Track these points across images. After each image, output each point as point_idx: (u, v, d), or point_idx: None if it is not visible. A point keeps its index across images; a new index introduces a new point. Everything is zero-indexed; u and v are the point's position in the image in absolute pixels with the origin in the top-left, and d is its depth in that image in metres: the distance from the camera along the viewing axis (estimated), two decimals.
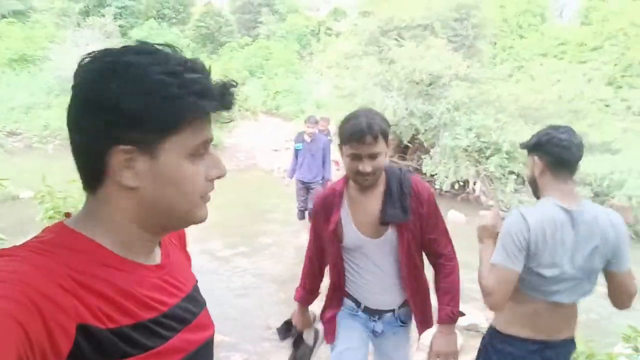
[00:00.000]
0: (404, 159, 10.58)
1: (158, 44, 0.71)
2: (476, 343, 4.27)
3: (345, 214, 1.87)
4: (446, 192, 9.62)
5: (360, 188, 1.82)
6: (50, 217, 3.59)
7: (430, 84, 9.66)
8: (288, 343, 2.32)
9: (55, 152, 11.09)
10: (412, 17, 9.92)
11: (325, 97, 13.60)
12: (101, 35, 15.67)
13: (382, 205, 1.80)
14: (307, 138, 6.09)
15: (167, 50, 0.70)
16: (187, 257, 0.96)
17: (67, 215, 0.73)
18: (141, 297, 0.70)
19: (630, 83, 14.37)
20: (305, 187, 6.31)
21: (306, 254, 2.13)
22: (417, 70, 9.33)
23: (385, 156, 1.72)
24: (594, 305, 5.23)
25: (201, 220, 0.75)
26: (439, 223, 1.89)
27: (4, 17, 19.13)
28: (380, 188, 1.82)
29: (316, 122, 6.22)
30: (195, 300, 0.83)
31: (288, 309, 4.88)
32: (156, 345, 0.70)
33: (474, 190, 9.52)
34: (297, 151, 6.28)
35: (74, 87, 0.68)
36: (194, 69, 0.69)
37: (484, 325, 4.50)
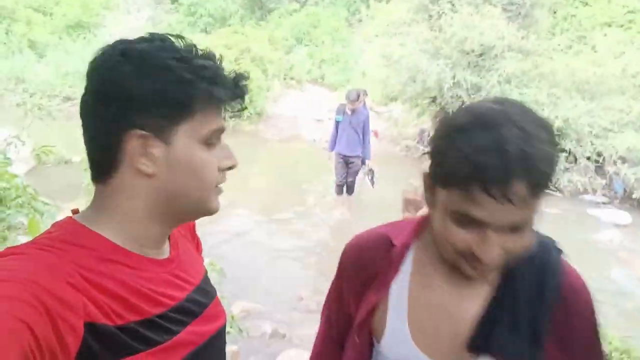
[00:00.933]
0: None
1: (170, 34, 0.72)
2: None
3: (396, 301, 0.93)
4: None
5: (454, 270, 0.87)
6: None
7: (481, 55, 9.22)
8: None
9: None
10: None
11: (372, 66, 13.30)
12: (151, 1, 15.88)
13: (485, 313, 0.86)
14: (348, 110, 6.04)
15: (178, 39, 0.72)
16: (197, 246, 0.96)
17: (75, 211, 0.73)
18: (150, 293, 0.70)
19: None
20: (345, 161, 6.24)
21: (313, 350, 1.15)
22: (468, 39, 8.91)
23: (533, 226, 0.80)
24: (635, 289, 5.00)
25: (214, 211, 0.75)
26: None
27: None
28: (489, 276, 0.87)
29: (356, 99, 6.01)
30: (204, 292, 0.84)
31: (319, 280, 4.96)
32: (165, 339, 0.70)
33: None
34: (337, 123, 6.20)
35: (88, 75, 0.70)
36: (204, 57, 0.71)
37: None
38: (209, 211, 0.75)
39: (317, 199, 7.18)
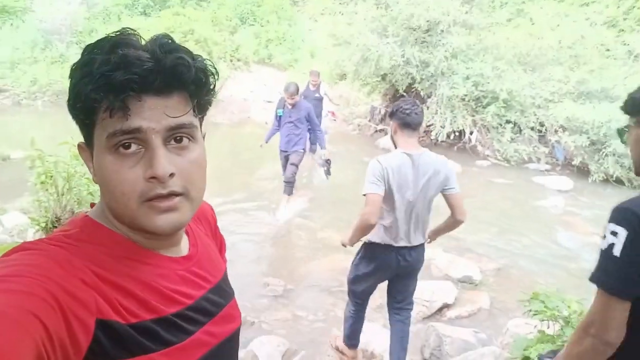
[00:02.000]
0: None
1: (129, 29, 0.67)
2: (470, 295, 4.37)
3: None
4: (442, 142, 9.56)
5: None
6: (42, 182, 3.54)
7: (427, 31, 9.36)
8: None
9: (45, 108, 10.87)
10: None
11: (320, 45, 13.22)
12: None
13: None
14: (287, 105, 5.64)
15: (128, 37, 0.65)
16: (220, 245, 0.94)
17: (92, 205, 0.73)
18: (165, 290, 0.69)
19: (632, 26, 13.97)
20: (286, 157, 5.87)
21: None
22: (414, 15, 9.00)
23: None
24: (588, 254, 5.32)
25: (151, 229, 0.65)
26: None
27: None
28: None
29: (295, 92, 5.57)
30: (222, 291, 0.81)
31: (280, 265, 4.94)
32: (180, 339, 0.69)
33: (470, 140, 9.45)
34: (278, 117, 5.85)
35: None
36: (110, 49, 0.62)
37: (478, 277, 4.58)
38: (142, 228, 0.66)
39: (271, 182, 7.12)
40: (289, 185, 5.79)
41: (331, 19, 11.40)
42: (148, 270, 0.68)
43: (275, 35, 17.03)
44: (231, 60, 14.29)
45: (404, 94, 9.81)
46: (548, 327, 2.64)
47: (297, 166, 5.80)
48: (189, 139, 0.67)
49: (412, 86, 9.53)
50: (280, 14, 18.62)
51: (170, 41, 0.64)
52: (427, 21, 9.01)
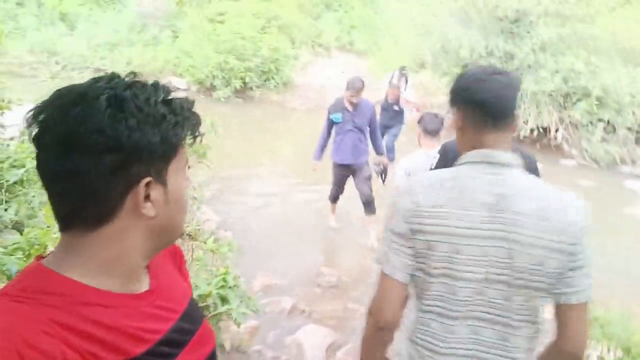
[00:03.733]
0: None
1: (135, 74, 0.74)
2: None
3: None
4: (525, 137, 9.04)
5: None
6: None
7: (515, 21, 8.81)
8: None
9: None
10: None
11: (403, 32, 12.91)
12: None
13: None
14: (348, 105, 4.62)
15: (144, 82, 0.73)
16: (180, 266, 0.94)
17: (39, 257, 0.71)
18: (131, 330, 0.69)
19: None
20: (347, 172, 4.91)
21: None
22: (501, 5, 8.51)
23: None
24: None
25: (182, 232, 0.80)
26: None
27: None
28: None
29: (362, 87, 4.56)
30: (191, 318, 0.82)
31: (339, 256, 4.98)
32: None
33: (555, 138, 8.85)
34: (332, 124, 4.76)
35: (52, 128, 0.64)
36: (172, 97, 0.73)
37: None
38: (182, 233, 0.79)
39: None
40: (371, 205, 4.90)
41: (416, 7, 11.07)
42: (111, 313, 0.68)
43: (358, 22, 16.88)
44: (312, 46, 14.39)
45: None
46: (609, 352, 2.46)
47: (370, 179, 4.97)
48: None
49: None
50: (365, 0, 18.43)
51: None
52: (516, 11, 8.48)
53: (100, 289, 0.69)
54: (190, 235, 4.13)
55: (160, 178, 0.71)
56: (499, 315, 1.24)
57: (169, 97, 0.72)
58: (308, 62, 13.63)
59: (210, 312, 2.76)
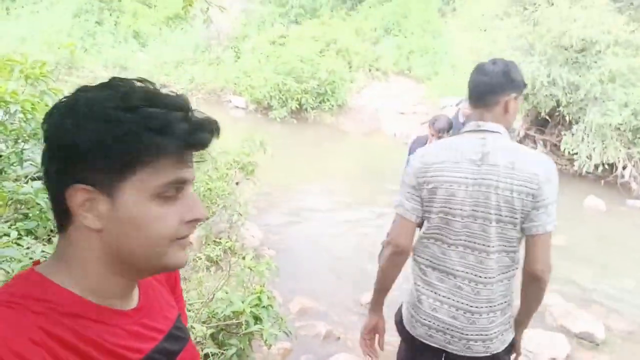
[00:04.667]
0: (542, 132, 9.58)
1: (133, 79, 0.69)
2: (588, 356, 3.84)
3: None
4: (588, 173, 8.57)
5: None
6: None
7: (581, 50, 8.45)
8: None
9: (198, 103, 12.19)
10: None
11: (462, 59, 12.73)
12: None
13: None
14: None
15: (139, 84, 0.68)
16: (171, 282, 0.92)
17: (36, 262, 0.72)
18: (113, 348, 0.68)
19: None
20: None
21: None
22: (567, 33, 8.20)
23: None
24: None
25: (175, 266, 0.71)
26: None
27: None
28: None
29: (447, 129, 3.98)
30: (176, 338, 0.81)
31: None
32: None
33: (622, 175, 8.32)
34: None
35: (42, 129, 0.67)
36: (160, 104, 0.65)
37: (601, 336, 3.96)
38: (165, 267, 0.70)
39: (391, 200, 7.01)
40: None
41: (476, 33, 10.91)
42: (97, 328, 0.67)
43: (417, 47, 16.82)
44: (369, 70, 14.46)
45: (547, 117, 9.01)
46: None
47: None
48: None
49: (557, 109, 8.69)
50: (425, 26, 18.36)
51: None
52: (582, 40, 8.13)
53: (87, 300, 0.68)
54: (231, 250, 4.19)
55: (108, 190, 0.65)
56: (479, 244, 1.65)
57: (139, 104, 0.64)
58: (364, 86, 13.69)
59: (242, 330, 2.75)
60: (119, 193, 0.65)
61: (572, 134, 8.43)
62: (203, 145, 0.68)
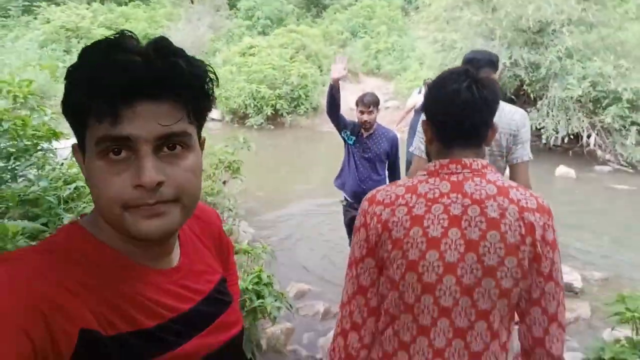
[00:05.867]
0: None
1: (127, 31, 0.64)
2: (569, 304, 4.13)
3: None
4: (556, 146, 8.96)
5: None
6: None
7: (538, 31, 8.89)
8: None
9: None
10: None
11: (428, 52, 13.15)
12: (211, 9, 16.63)
13: None
14: (362, 130, 3.61)
15: (126, 38, 0.63)
16: (223, 251, 0.89)
17: (82, 215, 0.72)
18: (147, 303, 0.67)
19: None
20: (351, 209, 3.77)
21: None
22: (523, 16, 8.62)
23: None
24: None
25: (137, 235, 0.63)
26: None
27: (131, 0, 21.14)
28: None
29: (374, 104, 3.55)
30: (216, 301, 0.79)
31: None
32: (161, 352, 0.67)
33: (588, 144, 8.74)
34: (347, 145, 3.77)
35: None
36: (102, 54, 0.61)
37: (579, 285, 4.27)
38: (129, 233, 0.64)
39: None
40: None
41: (440, 25, 11.32)
42: (132, 283, 0.67)
43: (384, 46, 17.24)
44: None
45: (513, 97, 9.40)
46: (637, 334, 2.49)
47: None
48: (182, 147, 0.65)
49: (521, 89, 9.10)
50: (390, 25, 18.82)
51: (166, 44, 0.63)
52: (538, 21, 8.56)
53: (125, 256, 0.68)
54: None
55: (79, 143, 0.65)
56: None
57: (92, 57, 0.61)
58: None
59: (246, 307, 2.93)
60: (85, 149, 0.64)
61: (538, 110, 8.83)
62: (119, 92, 0.58)
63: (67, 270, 0.61)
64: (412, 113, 6.15)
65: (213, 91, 0.67)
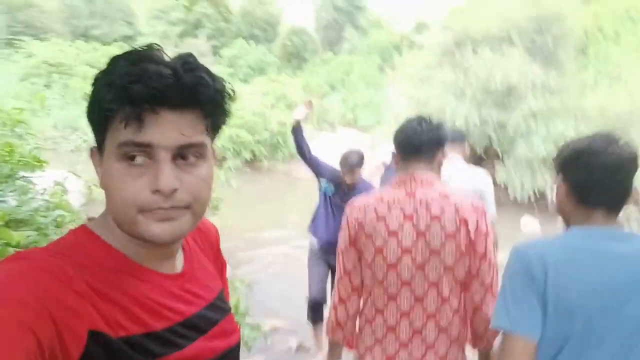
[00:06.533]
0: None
1: (155, 44, 0.67)
2: None
3: None
4: (522, 201, 9.39)
5: None
6: None
7: (506, 94, 9.51)
8: None
9: None
10: (488, 27, 9.86)
11: (403, 109, 13.75)
12: (195, 55, 17.05)
13: None
14: (345, 184, 3.35)
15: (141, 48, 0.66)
16: (220, 266, 0.93)
17: (91, 218, 0.73)
18: (155, 306, 0.69)
19: None
20: (326, 259, 3.53)
21: None
22: (492, 79, 9.24)
23: None
24: None
25: (150, 238, 0.66)
26: None
27: (115, 41, 21.53)
28: None
29: (358, 164, 3.29)
30: (217, 308, 0.81)
31: None
32: (168, 353, 0.69)
33: (552, 201, 9.17)
34: (324, 196, 3.53)
35: None
36: (126, 63, 0.62)
37: None
38: (141, 235, 0.66)
39: None
40: (317, 311, 3.60)
41: (414, 83, 11.93)
42: (138, 285, 0.69)
43: (362, 101, 17.95)
44: (318, 122, 15.24)
45: (482, 155, 9.88)
46: None
47: None
48: (198, 157, 0.67)
49: (490, 146, 9.60)
50: (368, 80, 19.68)
51: (192, 60, 0.65)
52: (506, 85, 9.18)
53: (132, 260, 0.70)
54: None
55: (100, 147, 0.67)
56: None
57: (112, 63, 0.63)
58: (313, 137, 14.35)
59: None
60: (104, 152, 0.66)
61: (505, 167, 9.31)
62: (147, 100, 0.61)
63: (75, 271, 0.62)
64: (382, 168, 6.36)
65: (230, 106, 0.71)
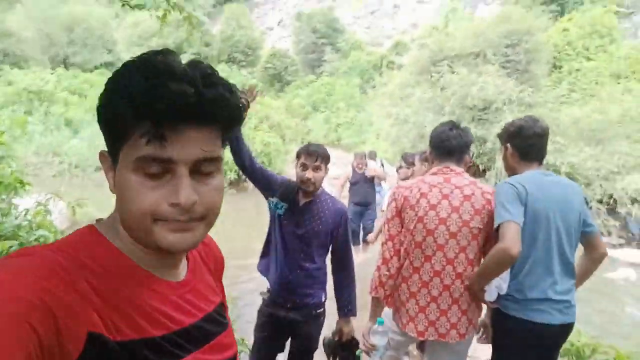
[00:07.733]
0: None
1: (159, 50, 0.66)
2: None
3: None
4: None
5: None
6: None
7: (483, 109, 9.76)
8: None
9: None
10: (463, 45, 10.16)
11: (384, 127, 14.00)
12: None
13: None
14: (299, 198, 2.32)
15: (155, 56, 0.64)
16: (218, 282, 0.91)
17: (99, 220, 0.73)
18: (153, 313, 0.69)
19: None
20: (272, 307, 2.43)
21: None
22: (469, 95, 9.49)
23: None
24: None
25: (165, 247, 0.66)
26: None
27: (96, 67, 21.55)
28: None
29: (324, 159, 2.28)
30: (215, 321, 0.80)
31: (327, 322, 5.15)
32: None
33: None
34: (276, 215, 2.37)
35: None
36: (148, 74, 0.61)
37: None
38: (155, 245, 0.67)
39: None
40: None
41: (393, 101, 12.17)
42: (139, 291, 0.68)
43: (344, 120, 18.19)
44: (302, 142, 15.36)
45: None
46: None
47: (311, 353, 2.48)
48: (213, 169, 0.68)
49: (471, 161, 9.80)
50: (349, 101, 19.98)
51: (210, 71, 0.65)
52: (483, 100, 9.43)
53: (136, 264, 0.70)
54: None
55: (114, 156, 0.66)
56: None
57: (151, 82, 0.60)
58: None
59: None
60: (119, 160, 0.66)
61: (487, 180, 9.47)
62: (170, 117, 0.61)
63: (77, 271, 0.62)
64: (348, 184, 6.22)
65: (245, 117, 0.71)
